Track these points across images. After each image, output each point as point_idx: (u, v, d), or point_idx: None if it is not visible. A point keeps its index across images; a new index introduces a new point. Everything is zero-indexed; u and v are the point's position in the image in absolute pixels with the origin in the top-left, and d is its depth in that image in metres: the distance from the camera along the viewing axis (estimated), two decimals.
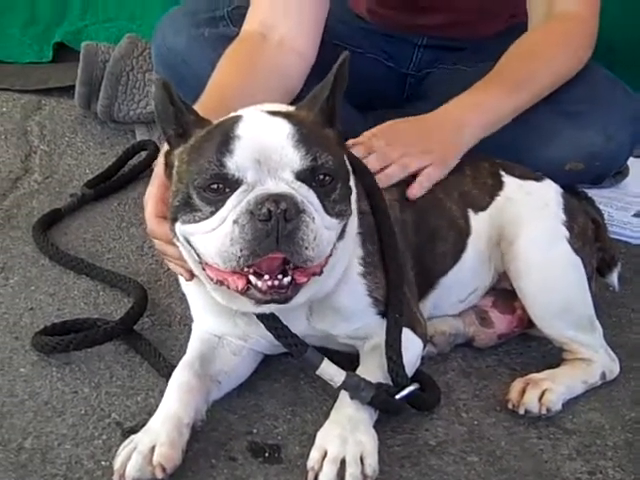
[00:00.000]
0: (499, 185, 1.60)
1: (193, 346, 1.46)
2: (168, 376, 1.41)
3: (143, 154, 2.25)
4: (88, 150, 2.33)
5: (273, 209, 1.17)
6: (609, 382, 1.53)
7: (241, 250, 1.19)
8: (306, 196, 1.22)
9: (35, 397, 1.45)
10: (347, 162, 1.38)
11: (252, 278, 1.22)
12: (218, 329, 1.46)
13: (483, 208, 1.58)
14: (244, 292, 1.24)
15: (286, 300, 1.24)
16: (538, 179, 1.62)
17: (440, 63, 2.17)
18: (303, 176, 1.23)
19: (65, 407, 1.43)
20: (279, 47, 1.73)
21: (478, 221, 1.57)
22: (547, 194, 1.59)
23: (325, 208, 1.24)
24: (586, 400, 1.49)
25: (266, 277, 1.21)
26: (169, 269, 1.64)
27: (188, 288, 1.46)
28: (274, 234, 1.18)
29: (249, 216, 1.19)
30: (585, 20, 1.83)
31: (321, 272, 1.26)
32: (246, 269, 1.21)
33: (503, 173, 1.61)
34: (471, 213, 1.57)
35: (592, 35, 1.84)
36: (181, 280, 1.45)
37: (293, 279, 1.22)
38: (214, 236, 1.22)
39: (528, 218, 1.53)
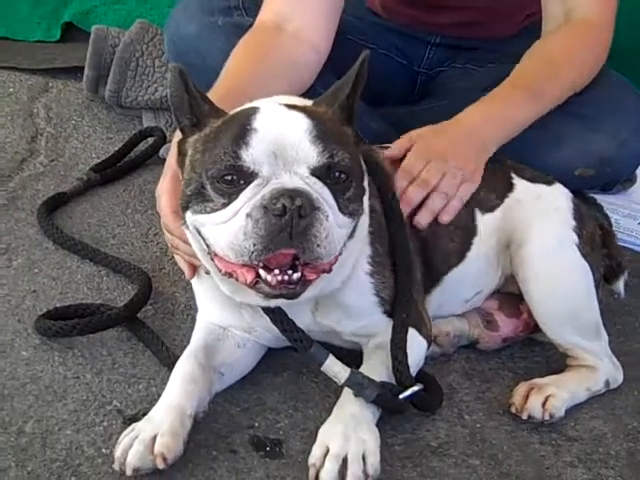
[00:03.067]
0: (509, 187, 1.59)
1: (197, 336, 1.45)
2: (170, 365, 1.41)
3: (150, 140, 2.24)
4: (94, 134, 2.32)
5: (288, 204, 1.16)
6: (612, 390, 1.53)
7: (254, 245, 1.18)
8: (321, 193, 1.21)
9: (36, 381, 1.44)
10: (362, 160, 1.38)
11: (262, 272, 1.21)
12: (223, 320, 1.45)
13: (491, 209, 1.57)
14: (253, 285, 1.23)
15: (294, 296, 1.24)
16: (549, 183, 1.62)
17: (452, 62, 2.17)
18: (319, 172, 1.22)
19: (66, 392, 1.42)
20: (294, 38, 1.72)
21: (485, 222, 1.56)
22: (557, 198, 1.59)
23: (339, 206, 1.23)
24: (589, 407, 1.49)
25: (276, 272, 1.20)
26: (173, 257, 1.64)
27: (194, 278, 1.45)
28: (287, 230, 1.17)
29: (263, 210, 1.18)
30: (602, 25, 1.83)
31: (330, 269, 1.25)
32: (257, 262, 1.20)
33: (514, 175, 1.61)
34: (478, 213, 1.56)
35: (608, 40, 1.84)
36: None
37: (303, 275, 1.21)
38: (226, 229, 1.21)
39: (538, 222, 1.53)
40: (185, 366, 1.37)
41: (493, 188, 1.59)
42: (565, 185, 1.64)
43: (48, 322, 1.53)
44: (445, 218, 1.52)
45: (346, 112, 1.32)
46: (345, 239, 1.26)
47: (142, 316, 1.60)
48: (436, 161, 1.54)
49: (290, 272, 1.21)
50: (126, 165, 2.16)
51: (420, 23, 2.11)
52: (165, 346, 1.51)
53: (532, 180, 1.61)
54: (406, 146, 1.58)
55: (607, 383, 1.51)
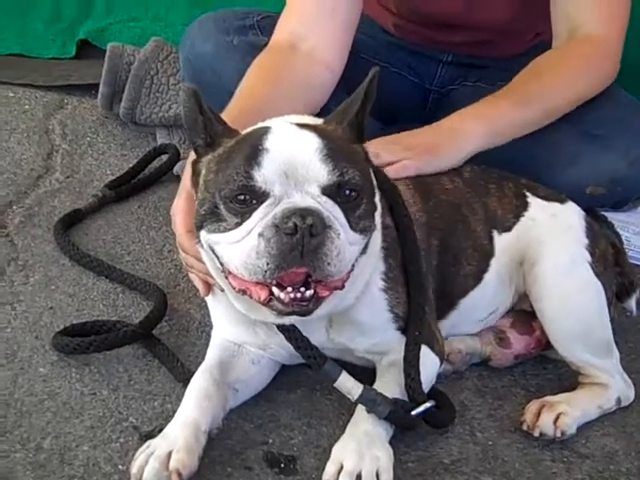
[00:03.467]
0: (524, 206, 1.60)
1: (212, 353, 1.47)
2: (185, 382, 1.43)
3: (164, 157, 2.26)
4: (109, 151, 2.34)
5: (299, 223, 1.18)
6: (624, 408, 1.53)
7: (267, 263, 1.19)
8: (332, 211, 1.23)
9: (54, 397, 1.46)
10: (373, 177, 1.39)
11: (275, 290, 1.23)
12: (238, 337, 1.47)
13: (508, 229, 1.58)
14: (266, 303, 1.25)
15: (307, 313, 1.25)
16: (562, 201, 1.63)
17: (463, 80, 2.18)
18: (329, 191, 1.24)
19: (84, 408, 1.44)
20: (308, 58, 1.74)
21: (502, 242, 1.58)
22: (571, 217, 1.60)
23: (350, 224, 1.25)
24: (600, 425, 1.50)
25: (289, 289, 1.22)
26: (188, 275, 1.66)
27: (209, 296, 1.46)
28: (299, 248, 1.18)
29: (275, 229, 1.19)
30: (609, 42, 1.84)
31: (343, 286, 1.27)
32: (270, 280, 1.22)
33: (528, 194, 1.62)
34: (495, 234, 1.58)
35: (615, 56, 1.85)
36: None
37: (315, 292, 1.23)
38: (239, 248, 1.23)
39: (551, 240, 1.54)
40: (200, 382, 1.38)
41: (509, 207, 1.60)
42: (576, 203, 1.65)
43: (65, 339, 1.55)
44: (393, 171, 1.54)
45: (355, 129, 1.33)
46: (357, 255, 1.28)
47: (157, 333, 1.62)
48: (398, 146, 1.61)
49: (303, 289, 1.22)
50: (140, 182, 2.18)
51: (432, 42, 2.13)
52: (180, 362, 1.53)
53: (546, 198, 1.62)
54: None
55: (619, 400, 1.52)
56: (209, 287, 1.43)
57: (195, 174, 1.35)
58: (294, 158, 1.23)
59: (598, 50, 1.83)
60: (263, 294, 1.24)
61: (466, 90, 2.17)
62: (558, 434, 1.43)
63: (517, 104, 1.73)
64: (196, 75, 1.97)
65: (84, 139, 2.39)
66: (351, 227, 1.25)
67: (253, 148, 1.25)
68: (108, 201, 2.08)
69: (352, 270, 1.28)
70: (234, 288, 1.29)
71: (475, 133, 1.68)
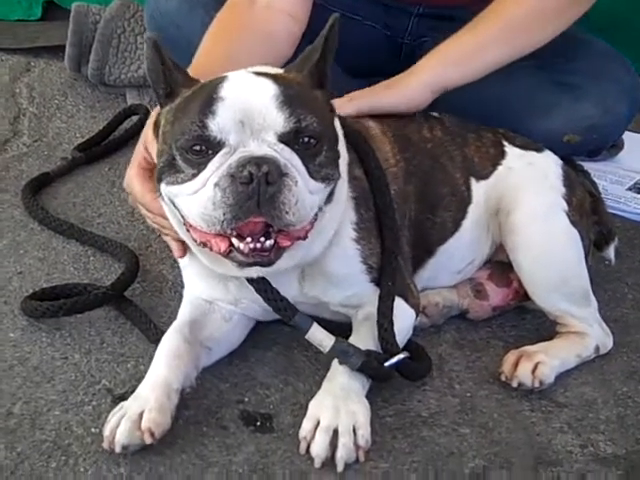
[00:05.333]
0: (501, 154, 1.59)
1: (183, 312, 1.45)
2: (158, 343, 1.40)
3: (134, 118, 2.22)
4: (78, 113, 2.30)
5: (254, 172, 1.16)
6: (602, 356, 1.53)
7: (223, 214, 1.18)
8: (289, 159, 1.20)
9: (24, 362, 1.43)
10: (338, 126, 1.37)
11: (234, 240, 1.21)
12: (209, 294, 1.44)
13: (485, 177, 1.57)
14: (227, 254, 1.23)
15: (269, 263, 1.23)
16: (539, 150, 1.61)
17: (435, 32, 2.14)
18: (286, 138, 1.21)
19: (55, 373, 1.42)
20: (267, 9, 1.71)
21: (479, 190, 1.56)
22: (547, 165, 1.58)
23: (309, 171, 1.23)
24: (579, 374, 1.49)
25: (248, 240, 1.21)
26: (160, 235, 1.63)
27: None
28: (255, 197, 1.17)
29: (230, 179, 1.18)
30: None
31: (306, 236, 1.25)
32: (229, 231, 1.20)
33: (505, 143, 1.61)
34: (473, 181, 1.56)
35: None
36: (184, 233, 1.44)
37: (276, 242, 1.22)
38: (197, 199, 1.21)
39: (527, 189, 1.52)
40: (170, 341, 1.36)
41: (486, 156, 1.59)
42: (553, 152, 1.63)
43: (35, 303, 1.52)
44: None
45: (316, 77, 1.31)
46: (319, 205, 1.25)
47: (130, 294, 1.60)
48: None
49: (262, 239, 1.21)
50: (111, 144, 2.15)
51: None
52: (153, 324, 1.51)
53: (523, 147, 1.61)
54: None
55: (597, 349, 1.51)
56: (184, 248, 1.40)
57: (156, 126, 1.32)
58: (250, 106, 1.21)
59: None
60: (223, 245, 1.22)
61: (438, 42, 2.12)
62: (536, 384, 1.42)
63: (464, 30, 1.71)
64: (161, 32, 1.90)
65: (52, 102, 2.34)
66: (311, 175, 1.23)
67: (208, 97, 1.23)
68: (78, 164, 2.05)
69: (316, 220, 1.26)
70: (195, 241, 1.27)
71: (428, 65, 1.67)
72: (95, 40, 2.36)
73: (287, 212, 1.18)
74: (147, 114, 2.18)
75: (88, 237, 1.76)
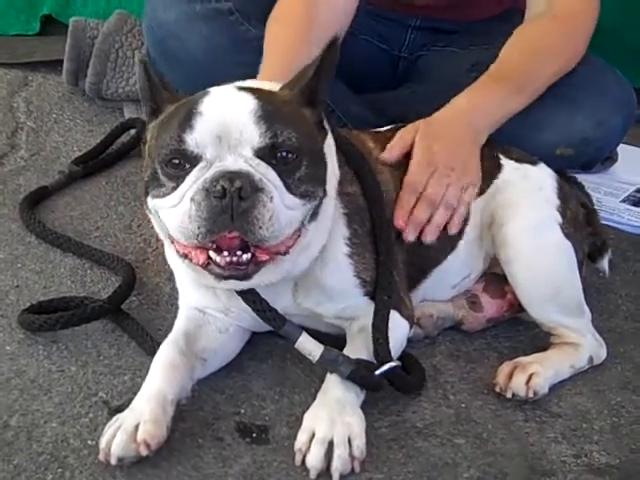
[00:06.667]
0: (498, 169, 1.60)
1: (178, 324, 1.46)
2: (155, 355, 1.41)
3: (131, 132, 2.23)
4: (75, 127, 2.31)
5: (227, 186, 1.17)
6: (596, 367, 1.53)
7: (199, 227, 1.20)
8: (264, 174, 1.21)
9: (21, 375, 1.44)
10: (330, 144, 1.37)
11: (212, 253, 1.23)
12: (201, 302, 1.45)
13: (481, 192, 1.57)
14: (205, 267, 1.25)
15: (245, 277, 1.25)
16: (534, 163, 1.62)
17: (432, 45, 2.16)
18: (262, 153, 1.22)
19: (51, 385, 1.42)
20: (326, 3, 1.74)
21: (476, 206, 1.57)
22: (542, 178, 1.59)
23: (288, 187, 1.24)
24: (573, 384, 1.50)
25: (225, 253, 1.22)
26: (157, 248, 1.64)
27: (173, 260, 1.45)
28: (229, 212, 1.18)
29: (205, 193, 1.19)
30: (586, 13, 1.83)
31: (286, 252, 1.26)
32: (209, 244, 1.22)
33: (501, 156, 1.61)
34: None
35: (591, 27, 1.84)
36: (167, 252, 1.45)
37: (254, 256, 1.23)
38: (175, 212, 1.23)
39: (521, 201, 1.53)
40: (165, 353, 1.37)
41: (484, 172, 1.59)
42: (546, 165, 1.64)
43: (32, 316, 1.52)
44: (453, 230, 1.53)
45: (307, 95, 1.32)
46: (299, 220, 1.26)
47: (126, 307, 1.60)
48: (439, 172, 1.54)
49: (239, 253, 1.22)
50: (108, 157, 2.15)
51: (400, 5, 2.11)
52: (150, 336, 1.51)
53: (518, 160, 1.62)
54: (406, 147, 1.56)
55: (590, 360, 1.52)
56: None
57: (144, 142, 1.35)
58: (227, 121, 1.22)
59: (577, 22, 1.82)
60: (202, 258, 1.24)
61: (436, 55, 2.16)
62: (530, 394, 1.43)
63: (517, 91, 1.72)
64: (159, 44, 1.95)
65: (50, 116, 2.35)
66: (290, 190, 1.24)
67: (187, 112, 1.24)
68: (75, 177, 2.06)
69: (299, 236, 1.27)
70: (178, 253, 1.29)
71: (486, 131, 1.65)
72: (93, 54, 2.37)
73: (260, 227, 1.19)
74: (144, 128, 2.21)
75: (85, 250, 1.76)
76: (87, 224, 1.90)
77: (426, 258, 1.54)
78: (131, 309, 1.61)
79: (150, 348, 1.48)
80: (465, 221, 1.56)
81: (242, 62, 1.83)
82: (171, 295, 1.65)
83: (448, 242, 1.55)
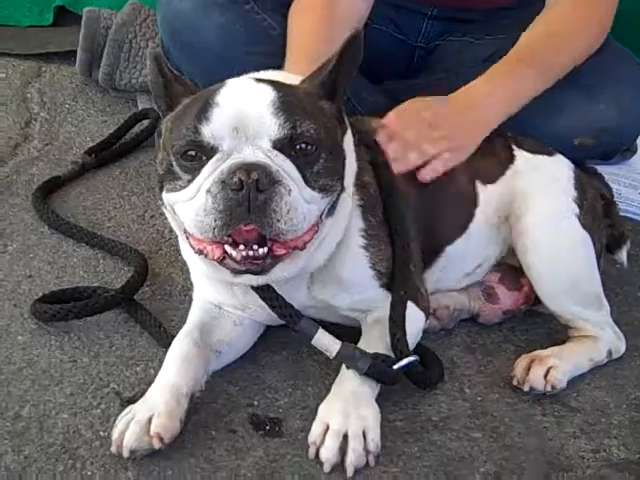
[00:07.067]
0: (510, 159, 1.57)
1: (193, 316, 1.44)
2: (168, 346, 1.40)
3: (145, 122, 2.22)
4: (89, 118, 2.30)
5: (244, 178, 1.15)
6: (615, 360, 1.51)
7: (215, 220, 1.17)
8: (282, 166, 1.19)
9: (33, 365, 1.43)
10: (349, 139, 1.35)
11: (227, 248, 1.21)
12: (216, 298, 1.44)
13: (492, 181, 1.55)
14: (221, 261, 1.22)
15: (262, 271, 1.22)
16: (549, 154, 1.60)
17: (449, 35, 2.13)
18: (280, 145, 1.20)
19: (63, 376, 1.41)
20: None
21: (487, 193, 1.55)
22: (558, 169, 1.57)
23: (306, 179, 1.21)
24: (591, 378, 1.48)
25: (241, 247, 1.20)
26: (170, 239, 1.62)
27: (188, 256, 1.43)
28: (246, 204, 1.15)
29: (221, 185, 1.17)
30: None
31: (304, 247, 1.24)
32: (225, 238, 1.19)
33: (514, 147, 1.59)
34: (479, 184, 1.55)
35: (613, 10, 1.80)
36: (181, 248, 1.43)
37: (270, 250, 1.20)
38: (191, 205, 1.20)
39: (538, 192, 1.51)
40: (181, 345, 1.36)
41: (494, 160, 1.57)
42: (564, 155, 1.62)
43: (44, 306, 1.51)
44: (424, 175, 1.49)
45: (327, 88, 1.30)
46: (317, 215, 1.23)
47: (139, 298, 1.59)
48: (421, 127, 1.52)
49: (256, 247, 1.19)
50: (122, 148, 2.14)
51: None
52: (163, 327, 1.50)
53: (533, 151, 1.59)
54: (396, 113, 1.55)
55: (609, 353, 1.50)
56: None
57: (159, 136, 1.33)
58: (244, 112, 1.20)
59: (598, 5, 1.78)
60: (217, 252, 1.22)
61: (452, 45, 2.12)
62: (548, 388, 1.41)
63: (537, 74, 1.68)
64: (174, 34, 1.92)
65: (63, 106, 2.34)
66: (308, 184, 1.21)
67: (204, 103, 1.22)
68: (88, 168, 2.05)
69: (317, 232, 1.25)
70: (194, 248, 1.26)
71: (498, 111, 1.61)
72: (106, 45, 2.36)
73: (278, 220, 1.16)
74: (158, 118, 2.19)
75: (98, 240, 1.75)
76: (100, 214, 1.89)
77: (436, 234, 1.51)
78: (144, 300, 1.60)
79: (163, 339, 1.47)
80: (474, 204, 1.53)
81: (258, 52, 1.82)
82: (184, 286, 1.64)
83: (457, 220, 1.53)
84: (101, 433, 1.29)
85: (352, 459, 1.23)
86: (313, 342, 1.33)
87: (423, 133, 1.52)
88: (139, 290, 1.60)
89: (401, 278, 1.38)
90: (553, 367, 1.42)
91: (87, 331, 1.52)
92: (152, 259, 1.72)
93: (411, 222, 1.43)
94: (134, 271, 1.63)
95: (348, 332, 1.42)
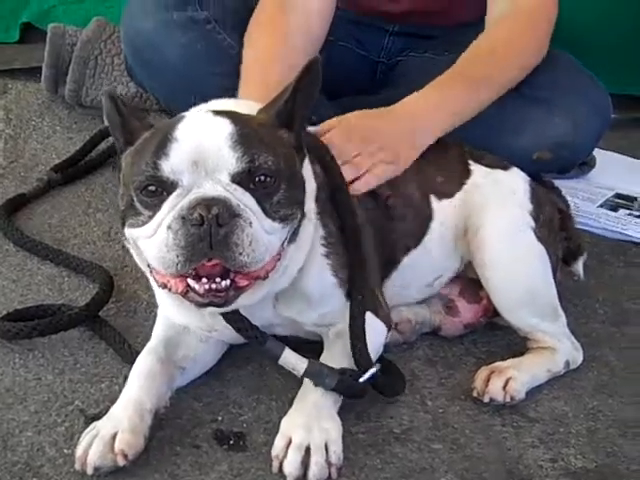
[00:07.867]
0: (466, 173, 1.59)
1: (157, 332, 1.45)
2: (133, 363, 1.40)
3: (111, 139, 2.22)
4: (55, 134, 2.30)
5: (204, 214, 1.16)
6: (572, 371, 1.54)
7: (177, 256, 1.17)
8: (242, 199, 1.20)
9: None
10: (308, 168, 1.36)
11: (190, 281, 1.21)
12: (184, 321, 1.44)
13: (448, 195, 1.57)
14: (184, 295, 1.23)
15: (225, 303, 1.23)
16: (505, 168, 1.62)
17: (410, 51, 2.17)
18: (239, 178, 1.21)
19: (27, 394, 1.41)
20: (302, 7, 1.76)
21: (443, 207, 1.56)
22: (514, 182, 1.60)
23: (266, 211, 1.22)
24: (550, 388, 1.50)
25: (204, 280, 1.20)
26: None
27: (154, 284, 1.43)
28: (207, 239, 1.16)
29: (182, 221, 1.17)
30: (547, 6, 1.83)
31: (266, 276, 1.25)
32: (189, 271, 1.20)
33: (471, 161, 1.61)
34: (433, 199, 1.56)
35: (553, 20, 1.83)
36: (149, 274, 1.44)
37: (233, 282, 1.21)
38: (153, 242, 1.21)
39: (494, 207, 1.54)
40: (145, 361, 1.37)
41: (450, 174, 1.59)
42: (522, 170, 1.65)
43: (8, 324, 1.51)
44: (357, 188, 1.48)
45: (284, 117, 1.30)
46: (278, 244, 1.24)
47: (104, 315, 1.60)
48: (356, 141, 1.53)
49: (219, 280, 1.20)
50: (87, 165, 2.15)
51: (377, 11, 2.11)
52: (128, 344, 1.51)
53: (489, 165, 1.62)
54: (333, 125, 1.56)
55: (567, 364, 1.53)
56: None
57: (119, 171, 1.33)
58: (203, 146, 1.21)
59: (537, 20, 1.82)
60: (181, 286, 1.22)
61: (414, 61, 2.16)
62: (507, 399, 1.43)
63: (472, 89, 1.70)
64: (137, 52, 1.94)
65: (29, 123, 2.34)
66: (268, 215, 1.22)
67: (162, 138, 1.23)
68: (54, 185, 2.05)
69: (279, 259, 1.26)
70: (157, 282, 1.27)
71: (433, 126, 1.63)
72: (72, 61, 2.36)
73: (240, 253, 1.17)
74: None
75: (63, 258, 1.76)
76: (65, 231, 1.89)
77: (393, 247, 1.52)
78: (109, 316, 1.61)
79: (128, 356, 1.48)
80: (428, 218, 1.55)
81: (219, 72, 1.84)
82: (149, 302, 1.64)
83: (410, 232, 1.53)
84: (65, 451, 1.30)
85: (315, 472, 1.24)
86: (280, 362, 1.34)
87: (358, 146, 1.52)
88: (104, 307, 1.61)
89: (358, 283, 1.38)
90: (512, 378, 1.44)
91: (51, 349, 1.52)
92: (118, 276, 1.72)
93: (364, 223, 1.43)
94: (99, 288, 1.64)
95: (311, 346, 1.44)
